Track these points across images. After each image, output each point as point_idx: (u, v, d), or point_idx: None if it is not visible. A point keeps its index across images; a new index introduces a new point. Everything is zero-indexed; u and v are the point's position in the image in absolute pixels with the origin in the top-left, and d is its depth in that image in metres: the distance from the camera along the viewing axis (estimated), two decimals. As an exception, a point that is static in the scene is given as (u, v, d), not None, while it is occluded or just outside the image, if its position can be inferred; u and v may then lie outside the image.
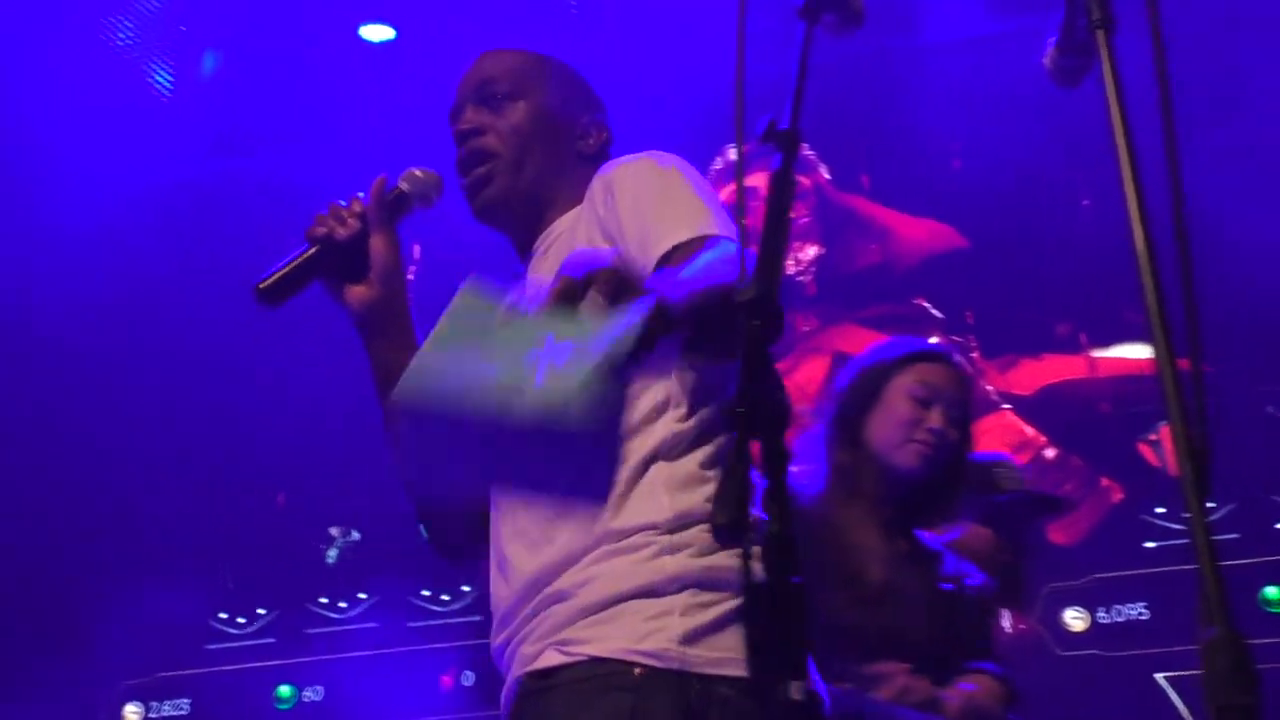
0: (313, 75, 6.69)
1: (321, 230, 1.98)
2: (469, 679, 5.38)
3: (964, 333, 5.53)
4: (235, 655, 5.68)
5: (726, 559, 1.72)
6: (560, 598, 1.76)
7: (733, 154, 5.48)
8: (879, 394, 2.76)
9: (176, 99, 6.68)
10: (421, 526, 2.05)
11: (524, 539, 1.83)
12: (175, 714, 5.58)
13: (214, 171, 6.54)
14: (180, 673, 5.65)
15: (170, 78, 6.78)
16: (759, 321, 1.32)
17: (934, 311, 5.63)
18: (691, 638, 1.68)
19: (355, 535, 5.82)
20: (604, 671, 1.68)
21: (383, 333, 2.01)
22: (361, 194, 2.02)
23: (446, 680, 5.40)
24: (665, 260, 1.72)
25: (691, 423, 1.81)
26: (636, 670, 1.67)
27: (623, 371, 1.34)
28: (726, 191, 6.00)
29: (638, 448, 1.78)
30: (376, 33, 6.57)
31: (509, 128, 2.03)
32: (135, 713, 5.59)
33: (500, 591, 1.87)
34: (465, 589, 5.59)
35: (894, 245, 5.81)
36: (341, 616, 5.66)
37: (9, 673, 5.31)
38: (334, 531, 5.81)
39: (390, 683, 5.42)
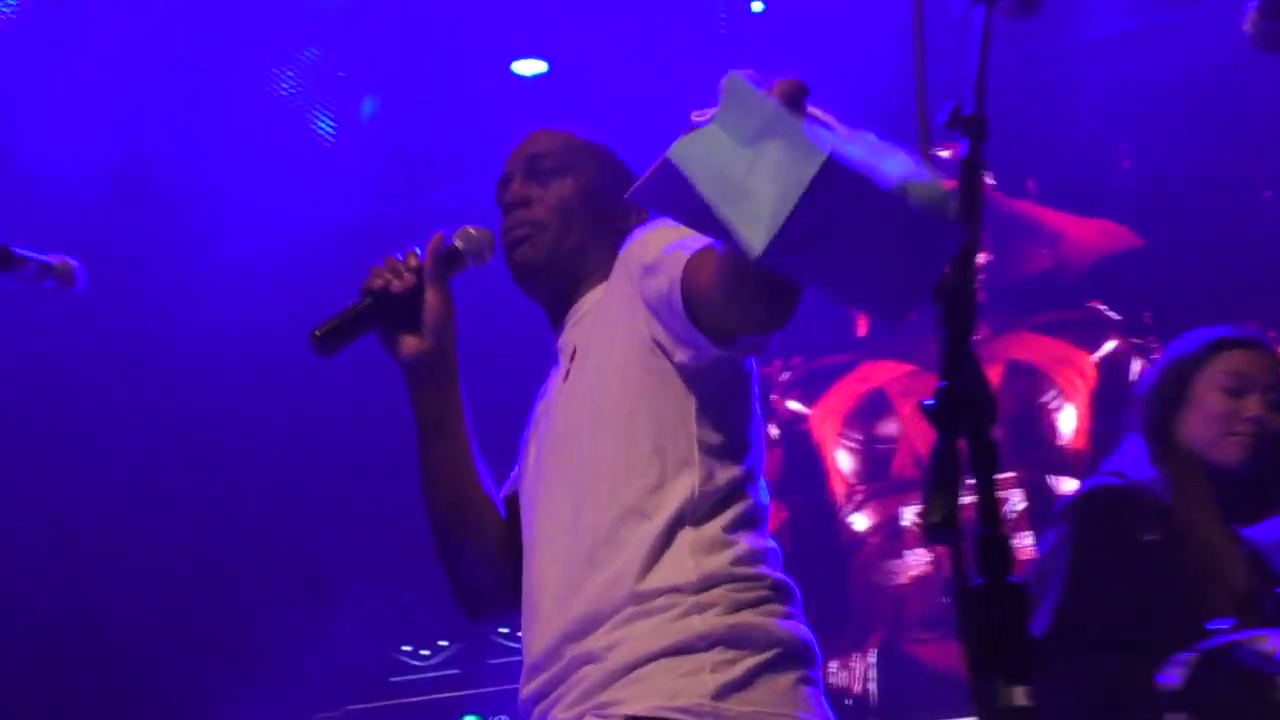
0: (468, 113, 6.80)
1: (378, 283, 2.06)
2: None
3: (1143, 334, 5.37)
4: (420, 687, 5.73)
5: (752, 617, 1.83)
6: (590, 659, 1.84)
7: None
8: (1186, 392, 2.65)
9: (339, 143, 6.84)
10: (450, 579, 2.14)
11: (552, 591, 1.92)
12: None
13: (376, 211, 6.67)
14: (368, 705, 5.73)
15: (332, 123, 6.95)
16: (955, 311, 1.29)
17: (1110, 314, 5.47)
18: (723, 693, 1.76)
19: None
20: None
21: (432, 384, 2.10)
22: (418, 249, 2.10)
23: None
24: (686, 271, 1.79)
25: (713, 486, 1.90)
26: None
27: None
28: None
29: (662, 505, 1.87)
30: (529, 67, 6.64)
31: (555, 200, 2.12)
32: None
33: (528, 641, 1.98)
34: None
35: (1065, 248, 5.66)
36: (521, 645, 5.67)
37: (202, 708, 5.44)
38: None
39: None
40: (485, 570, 2.12)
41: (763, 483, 2.02)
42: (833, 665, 5.16)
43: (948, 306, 1.28)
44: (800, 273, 1.50)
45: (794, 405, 5.75)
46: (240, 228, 6.35)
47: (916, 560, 5.21)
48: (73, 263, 2.14)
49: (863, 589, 5.30)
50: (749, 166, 1.40)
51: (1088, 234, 5.63)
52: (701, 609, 1.82)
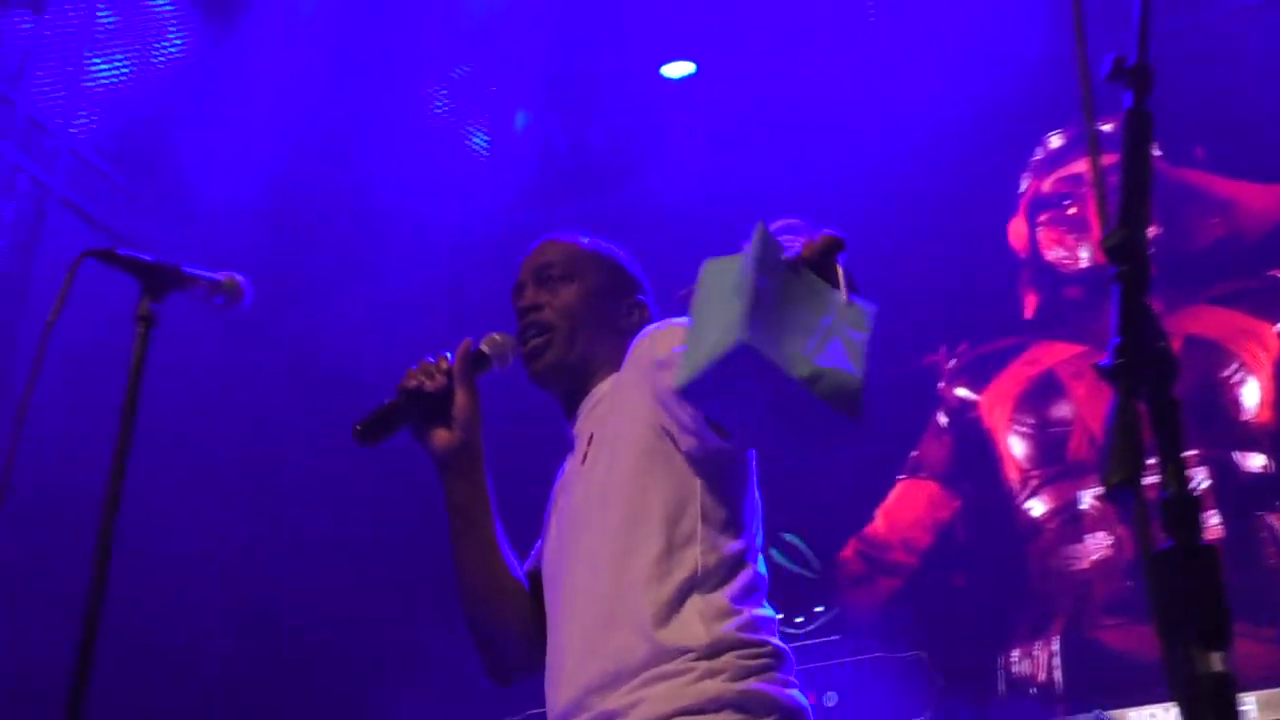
0: (618, 118, 6.83)
1: (413, 384, 2.28)
2: (832, 700, 5.30)
3: (1328, 300, 5.16)
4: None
5: (757, 683, 2.00)
6: (613, 716, 2.02)
7: (1054, 141, 5.25)
8: None
9: (494, 157, 6.95)
10: (481, 654, 2.34)
11: (575, 651, 2.10)
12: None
13: (533, 221, 6.75)
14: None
15: (486, 138, 7.06)
16: (1128, 267, 1.24)
17: (1292, 281, 5.28)
18: None
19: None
20: None
21: (461, 474, 2.29)
22: (449, 354, 2.31)
23: (810, 702, 5.35)
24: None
25: (716, 558, 2.09)
26: None
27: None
28: (1050, 181, 5.82)
29: (670, 573, 2.05)
30: (677, 70, 6.66)
31: (563, 306, 2.34)
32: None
33: (553, 697, 2.13)
34: (818, 609, 5.54)
35: (1238, 216, 5.46)
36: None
37: (383, 708, 5.54)
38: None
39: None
40: (515, 648, 2.32)
41: (761, 556, 2.20)
42: (1015, 654, 5.06)
43: (1120, 262, 1.23)
44: (714, 411, 1.88)
45: (962, 392, 5.65)
46: (400, 245, 6.47)
47: (1098, 544, 5.07)
48: (239, 279, 2.21)
49: (1043, 576, 5.18)
50: (715, 311, 1.76)
51: (1262, 200, 5.43)
52: (713, 674, 2.00)
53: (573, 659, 2.09)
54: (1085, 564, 5.09)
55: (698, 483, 2.12)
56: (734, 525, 2.14)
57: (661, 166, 6.64)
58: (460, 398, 2.29)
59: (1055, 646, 5.00)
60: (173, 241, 5.35)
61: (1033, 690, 4.97)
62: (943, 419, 5.63)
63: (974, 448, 5.53)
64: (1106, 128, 1.44)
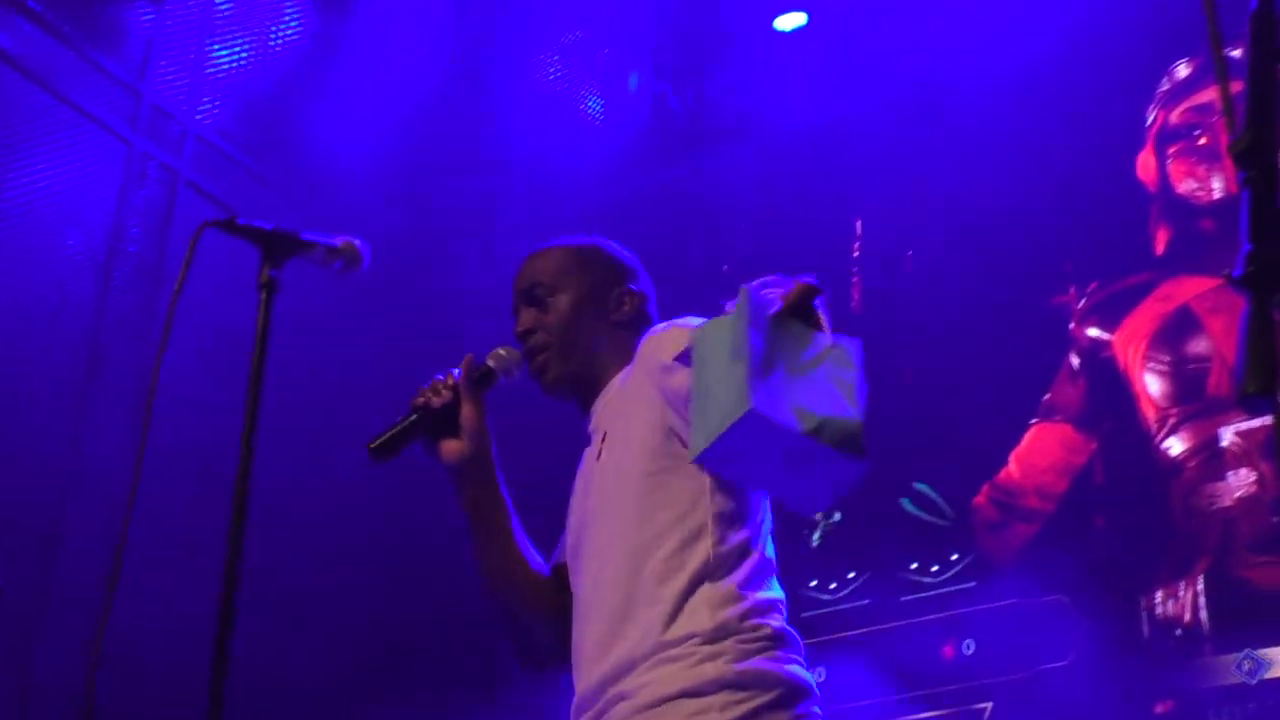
0: (732, 73, 6.80)
1: (421, 400, 2.40)
2: (970, 647, 5.26)
3: None
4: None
5: (757, 663, 2.11)
6: (623, 697, 2.15)
7: (1181, 71, 5.09)
8: None
9: (609, 119, 6.96)
10: (512, 644, 2.48)
11: (595, 640, 2.22)
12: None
13: (651, 182, 6.75)
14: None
15: (601, 101, 7.07)
16: (1257, 171, 1.21)
17: None
18: None
19: (837, 516, 5.83)
20: None
21: (474, 483, 2.41)
22: (455, 370, 2.42)
23: (948, 650, 5.31)
24: None
25: (726, 549, 2.20)
26: None
27: None
28: (1178, 112, 5.66)
29: (683, 567, 2.17)
30: (789, 21, 6.61)
31: (554, 322, 2.45)
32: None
33: (576, 681, 2.27)
34: (954, 557, 5.49)
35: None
36: (832, 597, 5.68)
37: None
38: (816, 515, 5.84)
39: (889, 658, 5.38)
40: (543, 636, 2.45)
41: (770, 539, 2.33)
42: (1158, 595, 4.96)
43: (1248, 166, 1.20)
44: (731, 473, 2.07)
45: (1094, 332, 5.53)
46: (521, 212, 6.52)
47: (1240, 481, 4.94)
48: (356, 242, 2.24)
49: (1185, 515, 5.07)
50: (719, 378, 1.91)
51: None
52: (714, 657, 2.12)
53: (592, 648, 2.22)
54: (1228, 501, 4.96)
55: (706, 479, 2.21)
56: (743, 515, 2.24)
57: (776, 120, 6.60)
58: (466, 411, 2.39)
59: (1200, 586, 4.89)
60: (301, 217, 5.43)
61: (1178, 632, 4.87)
62: (1075, 361, 5.52)
63: (1108, 388, 5.42)
64: (1235, 54, 1.39)
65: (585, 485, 2.42)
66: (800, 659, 2.22)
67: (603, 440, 2.38)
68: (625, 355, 2.44)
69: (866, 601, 5.60)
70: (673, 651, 2.13)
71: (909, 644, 5.37)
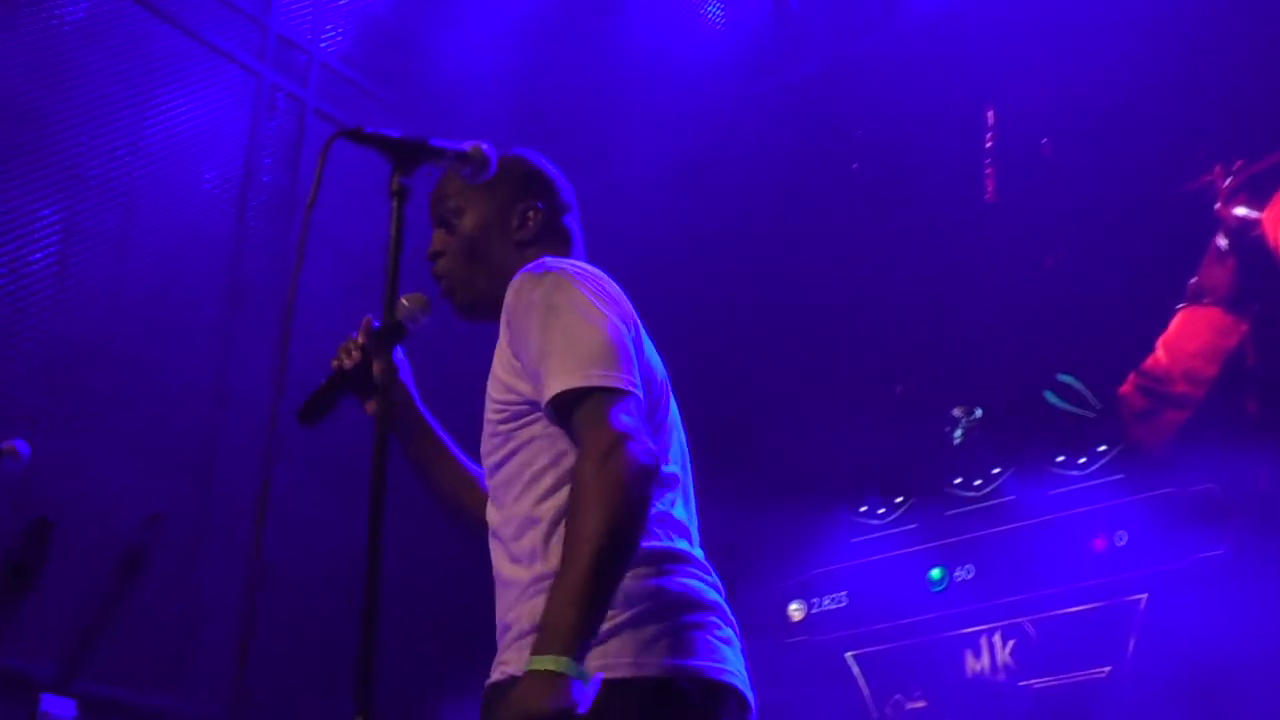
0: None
1: (335, 362, 2.45)
2: (1122, 539, 5.18)
3: None
4: (881, 545, 5.78)
5: (644, 583, 2.07)
6: (506, 628, 2.20)
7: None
8: None
9: (729, 23, 6.88)
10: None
11: (496, 587, 2.26)
12: (835, 606, 5.77)
13: (778, 82, 6.67)
14: (834, 567, 5.84)
15: (721, 7, 6.99)
16: None
17: None
18: (579, 655, 1.94)
19: (978, 413, 5.76)
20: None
21: (403, 433, 2.49)
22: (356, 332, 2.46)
23: (1098, 543, 5.23)
24: (553, 406, 2.11)
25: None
26: None
27: None
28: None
29: (546, 514, 2.16)
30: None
31: (458, 245, 2.42)
32: (798, 609, 5.85)
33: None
34: (1102, 449, 5.39)
35: None
36: (977, 494, 5.63)
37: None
38: (957, 412, 5.78)
39: (1038, 552, 5.33)
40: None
41: (676, 461, 2.33)
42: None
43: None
44: None
45: (1242, 211, 5.35)
46: (644, 124, 6.50)
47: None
48: (484, 146, 2.23)
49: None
50: None
51: None
52: None
53: (497, 582, 2.26)
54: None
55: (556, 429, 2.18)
56: None
57: (904, 11, 6.46)
58: (375, 368, 2.41)
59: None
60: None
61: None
62: (1222, 241, 5.35)
63: (1258, 268, 5.24)
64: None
65: None
66: (697, 573, 2.17)
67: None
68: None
69: (1012, 497, 5.53)
70: (539, 585, 2.11)
71: (1058, 538, 5.31)
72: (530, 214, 2.42)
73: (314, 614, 5.27)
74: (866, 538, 5.84)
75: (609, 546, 1.94)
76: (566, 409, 2.08)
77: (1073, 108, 5.87)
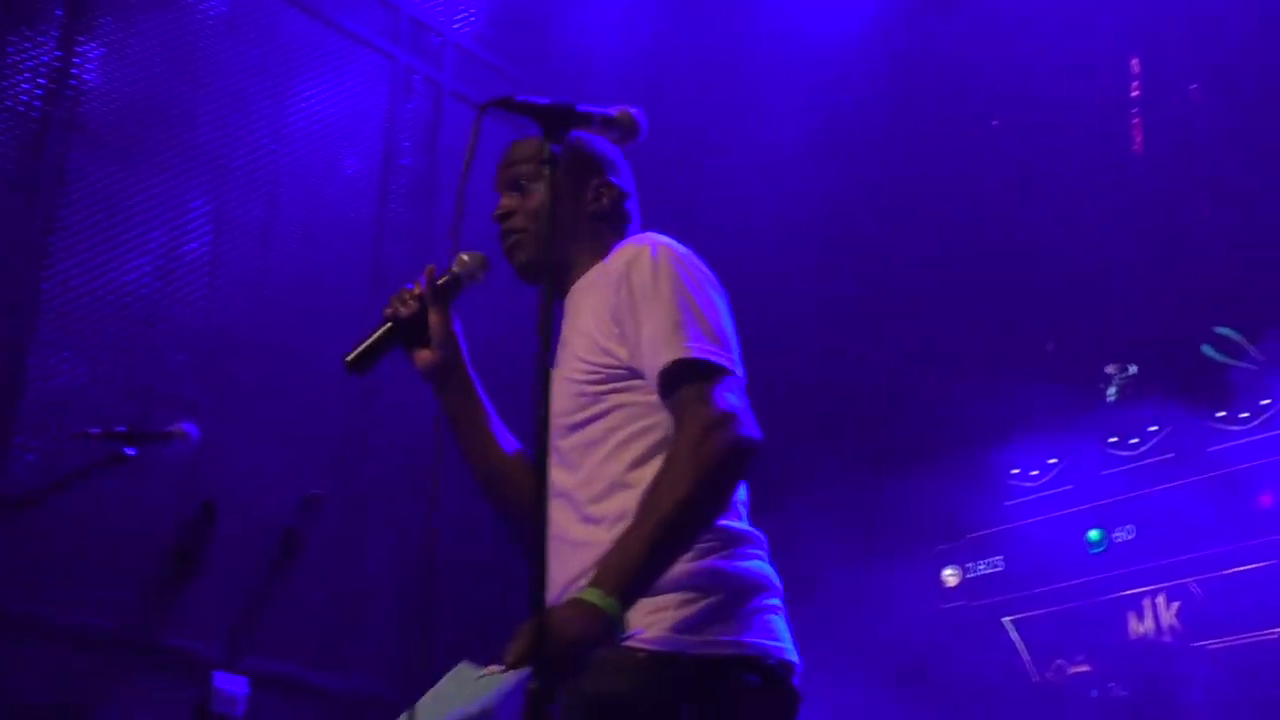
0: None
1: (389, 311, 2.45)
2: (1291, 494, 5.01)
3: None
4: (1036, 507, 5.68)
5: (713, 563, 2.16)
6: (576, 589, 2.11)
7: None
8: None
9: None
10: (506, 527, 2.56)
11: (556, 549, 2.14)
12: (991, 571, 5.69)
13: (915, 37, 6.57)
14: (988, 531, 5.75)
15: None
16: None
17: None
18: (682, 628, 2.10)
19: (1132, 369, 5.61)
20: (614, 656, 2.03)
21: (449, 387, 2.49)
22: (420, 280, 2.46)
23: (1265, 500, 5.07)
24: (665, 374, 2.18)
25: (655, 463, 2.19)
26: (640, 654, 2.08)
27: None
28: None
29: (640, 480, 2.18)
30: None
31: (533, 208, 2.46)
32: (953, 574, 5.77)
33: (549, 589, 2.21)
34: (1264, 402, 5.22)
35: None
36: (1133, 454, 5.49)
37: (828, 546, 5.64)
38: (1110, 369, 5.64)
39: (1201, 511, 5.18)
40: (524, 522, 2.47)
41: None
42: None
43: None
44: None
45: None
46: (783, 92, 6.44)
47: None
48: (633, 111, 2.23)
49: None
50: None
51: None
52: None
53: (563, 551, 2.22)
54: None
55: (654, 395, 2.24)
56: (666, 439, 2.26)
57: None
58: (432, 319, 2.44)
59: None
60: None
61: None
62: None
63: None
64: None
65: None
66: (760, 554, 2.26)
67: (563, 348, 2.43)
68: (599, 248, 2.47)
69: (1171, 455, 5.39)
70: None
71: (1222, 496, 5.15)
72: (604, 189, 2.52)
73: (467, 592, 5.34)
74: (1020, 500, 5.74)
75: (691, 515, 2.06)
76: (676, 380, 2.17)
77: (1222, 50, 5.67)
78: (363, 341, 2.43)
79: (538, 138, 2.45)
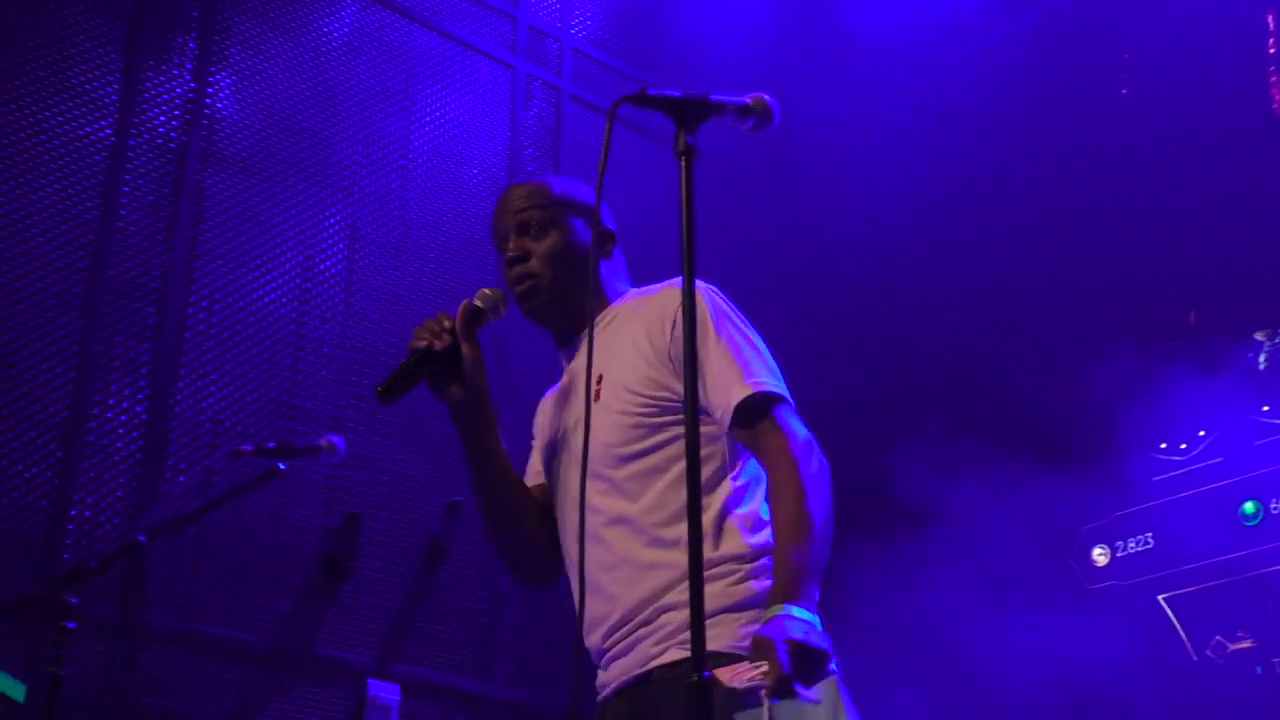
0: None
1: (422, 343, 2.49)
2: None
3: None
4: (1186, 481, 5.53)
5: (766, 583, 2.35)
6: (670, 608, 2.33)
7: None
8: None
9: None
10: (509, 566, 2.69)
11: (623, 572, 2.39)
12: (1141, 549, 5.55)
13: (1032, 16, 6.45)
14: (1137, 508, 5.62)
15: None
16: None
17: None
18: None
19: (1282, 336, 5.44)
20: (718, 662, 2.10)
21: (475, 419, 2.54)
22: (448, 314, 2.53)
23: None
24: (740, 408, 2.37)
25: (744, 480, 2.44)
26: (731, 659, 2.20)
27: None
28: None
29: (714, 502, 2.38)
30: None
31: (547, 253, 2.59)
32: (1102, 554, 5.64)
33: (599, 609, 2.43)
34: None
35: None
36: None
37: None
38: (1259, 336, 5.47)
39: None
40: (538, 554, 2.63)
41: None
42: None
43: None
44: None
45: None
46: (895, 81, 6.37)
47: None
48: (766, 98, 2.24)
49: None
50: None
51: None
52: (756, 575, 2.36)
53: (619, 580, 2.39)
54: None
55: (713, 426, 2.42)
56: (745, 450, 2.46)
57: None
58: (466, 352, 2.50)
59: None
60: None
61: None
62: None
63: None
64: None
65: (572, 419, 2.57)
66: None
67: (598, 382, 2.52)
68: (601, 289, 2.64)
69: (1219, 460, 5.24)
70: (714, 570, 2.32)
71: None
72: (609, 239, 2.69)
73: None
74: (1169, 475, 5.60)
75: (827, 525, 2.26)
76: (752, 413, 2.36)
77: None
78: (394, 373, 2.48)
79: (537, 181, 2.70)
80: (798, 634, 2.02)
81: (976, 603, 5.29)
